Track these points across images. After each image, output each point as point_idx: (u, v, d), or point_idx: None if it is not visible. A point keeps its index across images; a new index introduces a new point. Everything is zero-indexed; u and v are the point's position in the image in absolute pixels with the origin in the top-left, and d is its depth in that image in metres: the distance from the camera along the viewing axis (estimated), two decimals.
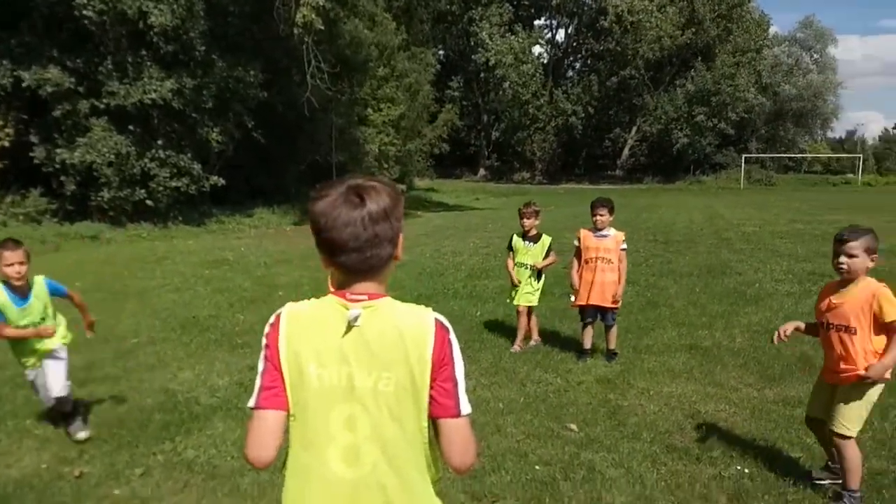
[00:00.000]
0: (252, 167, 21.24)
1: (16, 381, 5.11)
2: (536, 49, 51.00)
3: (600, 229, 5.64)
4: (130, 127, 16.19)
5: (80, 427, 4.12)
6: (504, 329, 6.72)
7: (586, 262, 5.68)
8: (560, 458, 3.84)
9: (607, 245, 5.63)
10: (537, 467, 3.74)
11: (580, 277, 5.72)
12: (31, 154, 15.58)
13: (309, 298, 1.55)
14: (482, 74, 50.20)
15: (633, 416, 4.48)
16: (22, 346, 4.11)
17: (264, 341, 1.50)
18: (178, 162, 16.94)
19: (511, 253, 6.20)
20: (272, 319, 1.51)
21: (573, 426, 4.30)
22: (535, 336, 6.26)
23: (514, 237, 6.20)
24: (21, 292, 3.99)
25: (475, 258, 11.93)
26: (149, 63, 16.23)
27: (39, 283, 4.10)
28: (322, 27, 17.94)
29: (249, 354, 5.92)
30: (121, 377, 5.31)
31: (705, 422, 4.38)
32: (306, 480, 1.50)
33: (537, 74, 47.66)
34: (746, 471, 3.68)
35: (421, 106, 33.11)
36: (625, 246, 5.73)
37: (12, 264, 3.90)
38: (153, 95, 15.83)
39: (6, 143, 15.29)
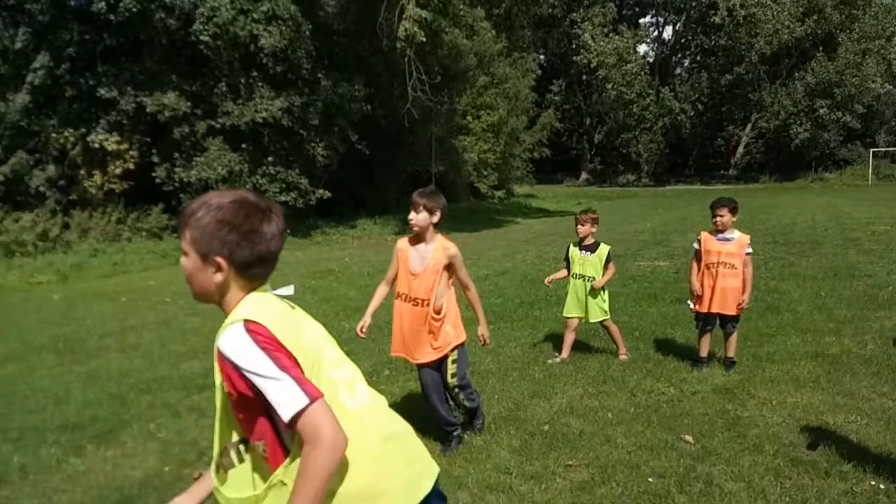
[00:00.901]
0: (354, 180, 21.95)
1: (139, 387, 5.52)
2: (642, 48, 49.70)
3: (721, 231, 5.34)
4: (243, 145, 17.17)
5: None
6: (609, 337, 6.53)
7: (707, 266, 5.38)
8: (675, 471, 3.67)
9: (730, 249, 5.32)
10: (650, 479, 3.59)
11: (701, 283, 5.44)
12: (153, 174, 16.84)
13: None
14: (584, 77, 49.43)
15: (754, 428, 4.22)
16: None
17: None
18: (287, 177, 17.76)
19: (567, 264, 5.87)
20: None
21: (688, 437, 4.10)
22: (623, 352, 5.84)
23: (571, 247, 5.83)
24: None
25: None
26: (259, 84, 17.17)
27: None
28: (424, 39, 18.30)
29: (354, 361, 6.08)
30: None
31: (834, 434, 4.06)
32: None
33: (642, 74, 46.38)
34: (882, 486, 3.38)
35: (520, 111, 33.00)
36: (750, 250, 5.39)
37: None
38: (264, 114, 16.72)
39: (131, 165, 16.62)
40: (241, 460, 1.57)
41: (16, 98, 15.59)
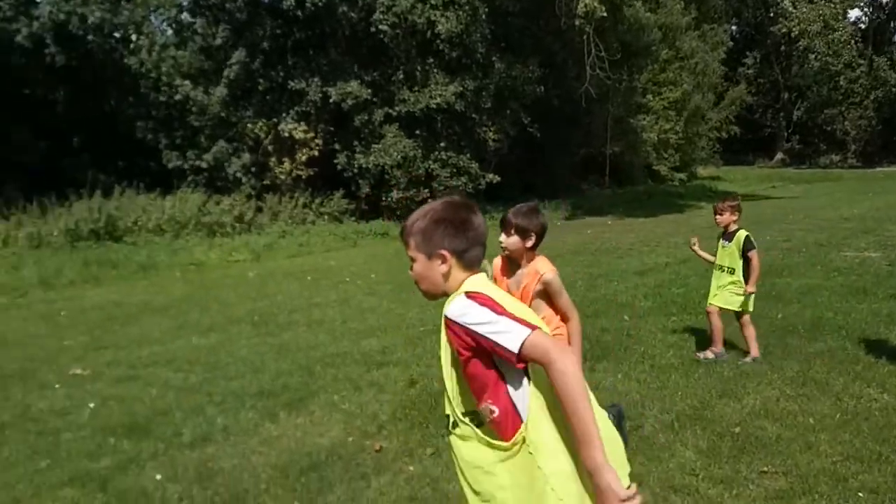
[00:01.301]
0: (524, 163, 21.95)
1: (324, 361, 5.94)
2: (853, 13, 44.46)
3: None
4: (417, 131, 17.84)
5: None
6: (812, 333, 5.95)
7: None
8: (890, 488, 3.27)
9: None
10: (860, 494, 3.23)
11: None
12: (334, 161, 18.02)
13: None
14: (782, 47, 45.30)
15: None
16: None
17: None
18: (458, 162, 18.20)
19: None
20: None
21: None
22: (754, 350, 5.37)
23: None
24: None
25: (773, 253, 10.78)
26: (435, 70, 17.72)
27: None
28: (604, 14, 17.80)
29: None
30: (411, 362, 5.83)
31: None
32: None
33: (852, 42, 41.54)
34: None
35: (707, 87, 31.03)
36: None
37: None
38: (438, 100, 17.25)
39: (316, 153, 17.90)
40: (474, 428, 1.76)
41: (216, 91, 17.41)
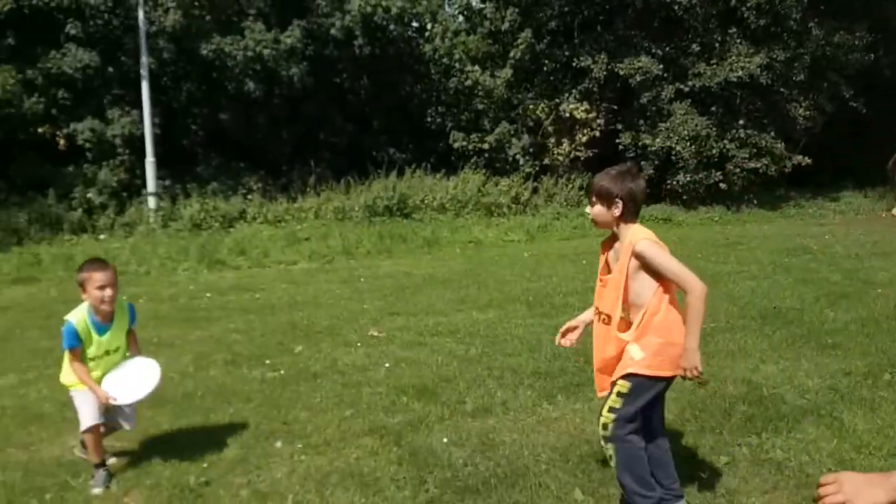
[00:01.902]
0: (842, 143, 19.34)
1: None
2: None
3: None
4: (712, 108, 16.71)
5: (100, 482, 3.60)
6: None
7: None
8: None
9: None
10: None
11: None
12: (616, 141, 17.64)
13: None
14: None
15: None
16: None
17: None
18: (759, 141, 16.71)
19: None
20: None
21: None
22: None
23: None
24: (105, 318, 3.65)
25: None
26: (738, 40, 16.41)
27: (122, 307, 3.75)
28: None
29: (842, 358, 5.37)
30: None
31: None
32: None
33: None
34: None
35: None
36: None
37: (104, 287, 3.53)
38: (739, 73, 15.98)
39: (597, 133, 17.69)
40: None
41: (502, 74, 18.08)
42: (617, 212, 2.85)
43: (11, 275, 10.40)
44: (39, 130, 14.44)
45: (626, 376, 2.85)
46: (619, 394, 2.87)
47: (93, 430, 3.56)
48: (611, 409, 2.88)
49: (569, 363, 5.42)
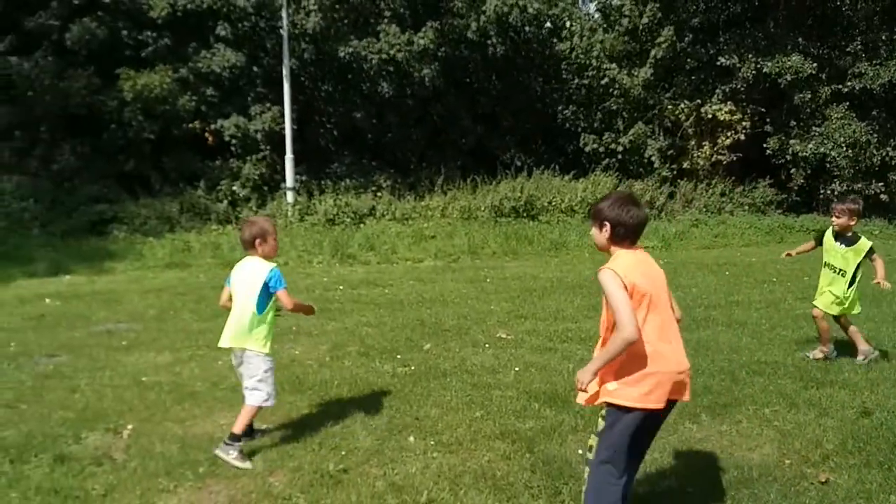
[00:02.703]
0: None
1: (750, 367, 5.49)
2: None
3: None
4: (874, 112, 15.45)
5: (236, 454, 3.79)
6: None
7: None
8: None
9: None
10: None
11: None
12: (763, 145, 16.66)
13: None
14: None
15: None
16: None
17: None
18: None
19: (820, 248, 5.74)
20: None
21: None
22: (862, 346, 5.59)
23: (827, 232, 5.74)
24: None
25: None
26: None
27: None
28: None
29: None
30: (863, 387, 5.05)
31: None
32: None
33: None
34: None
35: None
36: None
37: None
38: None
39: (742, 136, 16.80)
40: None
41: (640, 73, 17.55)
42: (605, 234, 2.90)
43: (165, 259, 11.28)
44: (190, 126, 15.56)
45: (606, 404, 2.88)
46: (602, 418, 2.91)
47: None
48: (597, 434, 2.92)
49: (713, 381, 5.15)
